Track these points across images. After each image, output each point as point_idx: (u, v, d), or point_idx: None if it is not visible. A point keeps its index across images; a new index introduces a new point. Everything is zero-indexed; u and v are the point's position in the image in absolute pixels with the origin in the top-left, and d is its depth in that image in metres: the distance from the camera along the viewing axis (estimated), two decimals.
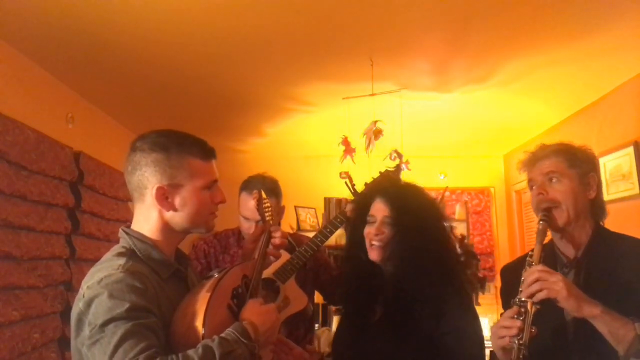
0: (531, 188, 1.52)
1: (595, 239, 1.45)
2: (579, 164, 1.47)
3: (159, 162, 1.24)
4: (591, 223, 1.48)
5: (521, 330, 1.25)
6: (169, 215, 1.27)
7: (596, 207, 1.49)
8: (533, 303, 1.27)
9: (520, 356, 1.23)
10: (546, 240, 1.51)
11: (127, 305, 1.07)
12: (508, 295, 1.53)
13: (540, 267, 1.31)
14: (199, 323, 1.17)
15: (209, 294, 1.22)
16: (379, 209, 1.57)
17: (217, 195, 1.33)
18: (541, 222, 1.42)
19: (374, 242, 1.55)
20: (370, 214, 1.59)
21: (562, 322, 1.40)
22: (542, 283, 1.27)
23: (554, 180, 1.46)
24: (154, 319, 1.12)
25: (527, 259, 1.37)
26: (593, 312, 1.24)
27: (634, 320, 1.24)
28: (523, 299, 1.29)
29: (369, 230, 1.56)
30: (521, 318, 1.27)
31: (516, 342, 1.24)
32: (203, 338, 1.14)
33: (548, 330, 1.34)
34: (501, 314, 1.57)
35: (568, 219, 1.43)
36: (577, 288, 1.28)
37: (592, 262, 1.42)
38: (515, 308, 1.30)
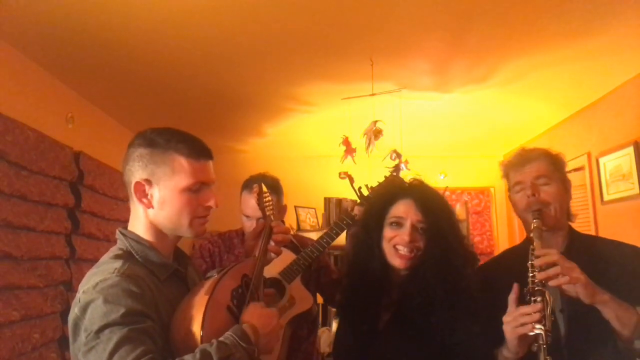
0: (516, 190, 1.57)
1: (572, 238, 1.55)
2: (560, 168, 1.56)
3: (142, 157, 1.20)
4: (567, 224, 1.57)
5: (544, 316, 1.25)
6: (152, 213, 1.22)
7: (569, 210, 1.59)
8: (550, 294, 1.29)
9: (548, 341, 1.23)
10: (521, 240, 1.59)
11: (122, 310, 1.05)
12: (488, 295, 1.54)
13: (555, 250, 1.35)
14: (197, 326, 1.14)
15: (207, 297, 1.19)
16: (409, 212, 1.45)
17: (206, 198, 1.23)
18: (535, 220, 1.47)
19: (403, 250, 1.43)
20: (395, 216, 1.46)
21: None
22: (562, 268, 1.29)
23: (543, 183, 1.52)
24: (151, 324, 1.09)
25: (530, 251, 1.40)
26: (604, 298, 1.29)
27: (634, 306, 1.31)
28: (537, 282, 1.29)
29: (396, 234, 1.44)
30: (539, 300, 1.27)
31: (542, 328, 1.24)
32: (201, 342, 1.12)
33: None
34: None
35: (556, 217, 1.50)
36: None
37: (573, 257, 1.45)
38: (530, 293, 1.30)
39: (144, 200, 1.21)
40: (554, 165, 1.54)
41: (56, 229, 2.77)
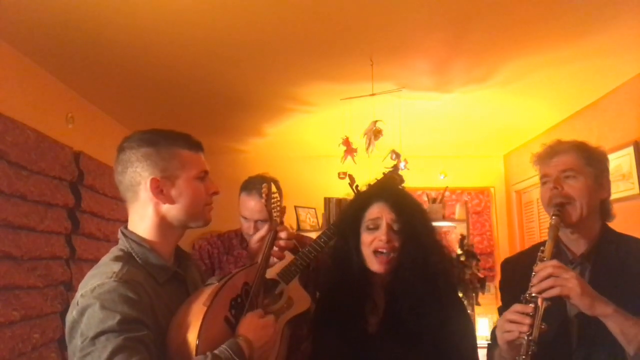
0: (543, 183, 1.50)
1: (603, 238, 1.44)
2: (595, 163, 1.45)
3: (149, 156, 1.24)
4: (599, 223, 1.47)
5: (531, 326, 1.23)
6: (165, 208, 1.25)
7: (605, 208, 1.48)
8: (544, 299, 1.25)
9: (529, 352, 1.21)
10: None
11: (118, 317, 1.06)
12: (508, 289, 1.53)
13: (554, 262, 1.29)
14: (193, 337, 1.15)
15: (205, 308, 1.20)
16: (384, 212, 1.47)
17: (210, 186, 1.32)
18: (554, 216, 1.40)
19: (382, 251, 1.44)
20: (370, 218, 1.48)
21: (565, 319, 1.38)
22: (555, 280, 1.25)
23: (570, 176, 1.43)
24: (146, 332, 1.10)
25: (539, 254, 1.34)
26: (606, 311, 1.23)
27: None
28: (534, 294, 1.26)
29: (374, 237, 1.45)
30: (530, 314, 1.24)
31: (525, 338, 1.22)
32: (196, 353, 1.13)
33: (551, 327, 1.34)
34: (499, 307, 1.56)
35: (580, 216, 1.41)
36: (590, 286, 1.26)
37: (599, 259, 1.41)
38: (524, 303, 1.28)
39: (160, 196, 1.24)
40: (585, 159, 1.44)
41: (56, 229, 2.77)
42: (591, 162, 1.45)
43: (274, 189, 1.64)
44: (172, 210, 1.26)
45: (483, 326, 4.85)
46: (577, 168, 1.43)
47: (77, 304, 1.12)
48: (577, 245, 1.45)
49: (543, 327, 1.23)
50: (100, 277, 1.14)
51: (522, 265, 1.51)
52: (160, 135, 1.28)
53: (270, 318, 1.32)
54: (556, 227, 1.38)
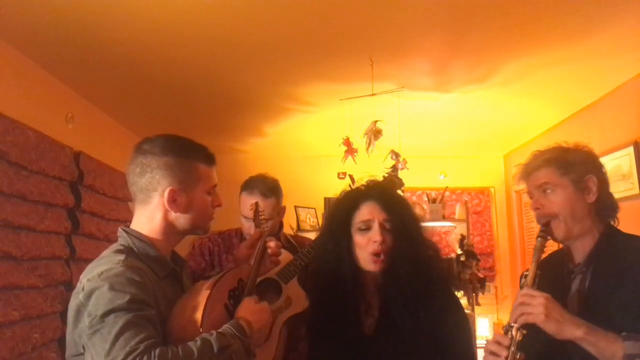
0: (531, 199, 1.52)
1: (601, 243, 1.41)
2: (572, 169, 1.43)
3: (170, 166, 1.29)
4: (598, 226, 1.44)
5: (506, 358, 1.25)
6: (174, 216, 1.31)
7: (602, 208, 1.45)
8: (518, 329, 1.27)
9: None
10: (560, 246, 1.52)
11: (127, 297, 1.11)
12: None
13: (524, 290, 1.31)
14: (198, 317, 1.21)
15: (208, 291, 1.28)
16: (374, 213, 1.47)
17: (216, 199, 1.39)
18: (538, 238, 1.40)
19: (379, 255, 1.44)
20: (362, 220, 1.47)
21: None
22: (524, 307, 1.27)
23: (548, 191, 1.44)
24: (153, 312, 1.15)
25: (522, 279, 1.36)
26: (575, 334, 1.22)
27: (624, 338, 1.19)
28: (512, 323, 1.29)
29: (368, 238, 1.45)
30: (507, 345, 1.26)
31: None
32: (201, 332, 1.19)
33: (550, 340, 1.32)
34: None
35: (567, 229, 1.41)
36: (561, 309, 1.25)
37: (598, 267, 1.39)
38: (502, 333, 1.30)
39: (173, 205, 1.29)
40: (560, 168, 1.43)
41: (56, 229, 2.77)
42: (567, 169, 1.43)
43: (261, 207, 1.78)
44: (180, 219, 1.32)
45: (483, 326, 4.85)
46: (552, 181, 1.43)
47: (83, 289, 1.16)
48: (577, 253, 1.44)
49: (518, 357, 1.24)
50: (106, 264, 1.19)
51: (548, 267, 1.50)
52: (182, 145, 1.34)
53: (265, 304, 1.39)
54: (540, 250, 1.37)
